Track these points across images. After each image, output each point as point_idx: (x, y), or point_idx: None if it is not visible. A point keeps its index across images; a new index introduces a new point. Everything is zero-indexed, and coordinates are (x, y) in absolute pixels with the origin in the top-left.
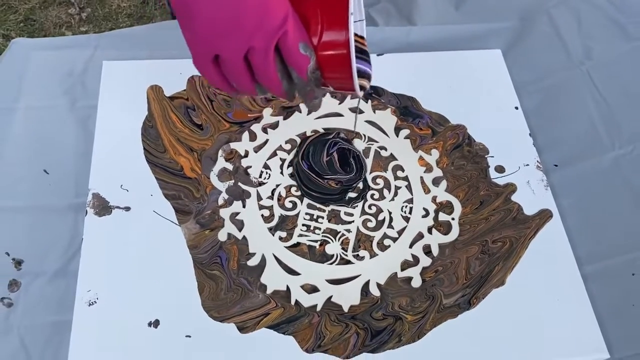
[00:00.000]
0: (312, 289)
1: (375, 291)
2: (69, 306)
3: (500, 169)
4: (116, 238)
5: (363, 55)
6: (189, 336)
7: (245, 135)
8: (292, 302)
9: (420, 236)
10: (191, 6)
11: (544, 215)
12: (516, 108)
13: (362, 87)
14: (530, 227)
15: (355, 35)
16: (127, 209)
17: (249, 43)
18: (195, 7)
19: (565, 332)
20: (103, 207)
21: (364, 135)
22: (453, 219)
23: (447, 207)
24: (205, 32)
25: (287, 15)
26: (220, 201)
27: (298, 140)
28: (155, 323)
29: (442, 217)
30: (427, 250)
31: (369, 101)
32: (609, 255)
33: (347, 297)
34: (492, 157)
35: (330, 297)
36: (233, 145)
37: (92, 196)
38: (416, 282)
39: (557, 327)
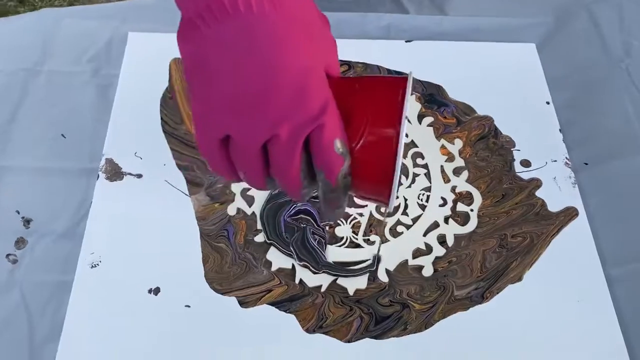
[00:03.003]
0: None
1: (383, 277)
2: (72, 267)
3: (526, 163)
4: (125, 204)
5: None
6: (189, 306)
7: None
8: (297, 281)
9: (435, 225)
10: (211, 71)
11: (569, 213)
12: (547, 103)
13: None
14: (554, 224)
15: None
16: (139, 176)
17: (273, 130)
18: (216, 74)
19: (585, 335)
20: (115, 173)
21: None
22: (472, 210)
23: (466, 198)
24: (220, 106)
25: (327, 103)
26: None
27: None
28: (156, 290)
29: (461, 207)
30: (442, 240)
31: None
32: (637, 259)
33: (354, 280)
34: (519, 150)
35: (336, 279)
36: None
37: (105, 161)
38: (427, 271)
39: (576, 329)
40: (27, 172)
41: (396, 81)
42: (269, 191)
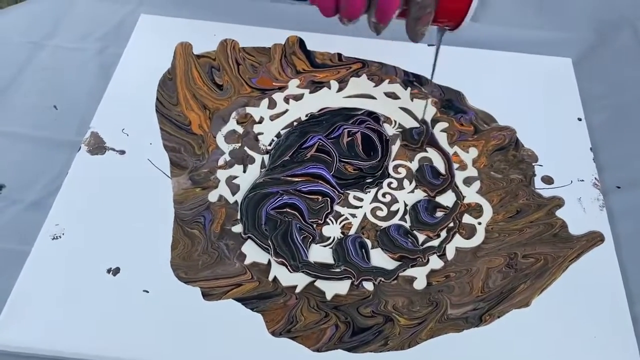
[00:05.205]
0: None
1: (368, 285)
2: (35, 239)
3: (548, 180)
4: (102, 179)
5: None
6: (147, 291)
7: (265, 102)
8: (270, 278)
9: (436, 235)
10: None
11: (593, 238)
12: (579, 120)
13: None
14: (574, 248)
15: None
16: (122, 152)
17: None
18: None
19: None
20: (98, 147)
21: (395, 121)
22: (480, 223)
23: (475, 210)
24: None
25: None
26: (221, 162)
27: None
28: (115, 271)
29: (467, 219)
30: (441, 253)
31: (408, 89)
32: None
33: (334, 284)
34: (541, 166)
35: (314, 280)
36: (249, 109)
37: (90, 134)
38: (419, 284)
39: None
40: (10, 138)
41: None
42: (255, 179)
